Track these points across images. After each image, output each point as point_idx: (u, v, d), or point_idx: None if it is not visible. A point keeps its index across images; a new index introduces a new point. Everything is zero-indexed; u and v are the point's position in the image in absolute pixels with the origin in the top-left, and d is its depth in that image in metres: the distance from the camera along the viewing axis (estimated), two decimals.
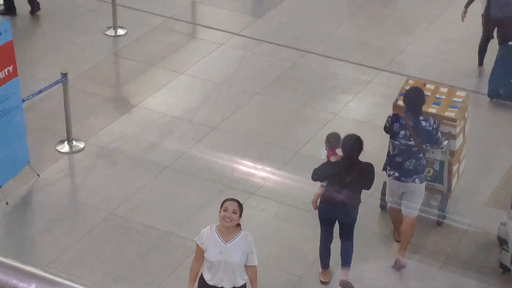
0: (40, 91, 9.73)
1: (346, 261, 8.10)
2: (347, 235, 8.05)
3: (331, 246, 8.10)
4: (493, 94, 10.95)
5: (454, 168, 8.90)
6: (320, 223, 8.04)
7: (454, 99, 8.88)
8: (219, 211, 6.73)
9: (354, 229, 8.06)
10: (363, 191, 8.04)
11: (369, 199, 9.00)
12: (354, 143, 7.83)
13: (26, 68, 11.09)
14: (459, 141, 8.79)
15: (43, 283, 1.52)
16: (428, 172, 8.68)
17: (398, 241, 8.61)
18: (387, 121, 8.35)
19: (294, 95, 11.06)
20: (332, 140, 8.28)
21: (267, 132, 10.34)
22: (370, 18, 13.14)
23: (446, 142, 8.57)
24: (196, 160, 9.81)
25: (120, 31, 12.38)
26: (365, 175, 7.84)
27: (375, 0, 13.51)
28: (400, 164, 8.22)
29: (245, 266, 6.82)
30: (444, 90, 9.02)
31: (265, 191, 9.35)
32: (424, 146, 8.21)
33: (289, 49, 12.08)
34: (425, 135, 8.19)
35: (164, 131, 10.34)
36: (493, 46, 11.31)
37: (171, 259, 8.41)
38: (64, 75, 9.70)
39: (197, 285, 6.97)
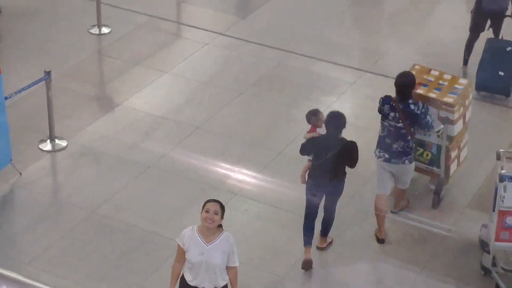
0: (23, 89, 9.69)
1: (324, 231, 8.51)
2: (330, 209, 8.35)
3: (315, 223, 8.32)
4: (480, 86, 11.04)
5: (453, 154, 9.08)
6: (306, 197, 8.26)
7: (456, 86, 9.06)
8: (201, 212, 6.71)
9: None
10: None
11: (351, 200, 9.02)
12: (337, 120, 8.11)
13: (9, 65, 11.03)
14: (457, 127, 8.95)
15: (13, 284, 1.51)
16: (426, 155, 8.97)
17: (379, 239, 8.68)
18: (379, 102, 8.63)
19: (278, 96, 11.06)
20: (311, 117, 8.61)
21: (251, 132, 10.33)
22: (355, 19, 13.16)
23: (442, 126, 8.77)
24: (180, 159, 9.79)
25: (105, 30, 12.33)
26: (348, 152, 8.09)
27: (361, 2, 13.53)
28: (389, 145, 8.51)
29: (226, 267, 6.80)
30: (447, 77, 9.20)
31: (248, 191, 9.34)
32: (412, 128, 8.46)
33: (273, 49, 12.07)
34: (413, 118, 8.43)
35: (148, 130, 10.31)
36: (478, 45, 11.37)
37: (154, 259, 8.39)
38: (48, 73, 9.66)
39: (178, 285, 6.95)
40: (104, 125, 10.33)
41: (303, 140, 8.50)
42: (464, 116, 9.04)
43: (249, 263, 8.26)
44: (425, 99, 8.69)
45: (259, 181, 9.50)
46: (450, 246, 8.72)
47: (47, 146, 9.88)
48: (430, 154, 8.97)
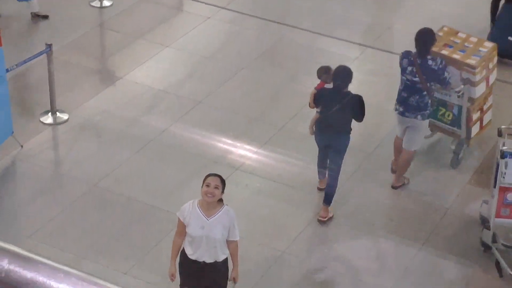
0: (24, 62, 9.67)
1: (327, 199, 8.63)
2: (334, 168, 8.57)
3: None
4: None
5: (474, 116, 9.28)
6: (318, 146, 8.75)
7: (480, 48, 9.24)
8: (202, 186, 6.72)
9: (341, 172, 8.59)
10: None
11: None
12: (343, 74, 8.36)
13: (10, 38, 10.99)
14: (479, 89, 9.12)
15: (16, 258, 1.50)
16: (448, 115, 9.25)
17: (394, 171, 9.18)
18: (399, 56, 8.89)
19: (280, 70, 11.03)
20: (322, 74, 8.85)
21: (253, 107, 10.31)
22: None
23: (462, 86, 8.97)
24: (181, 134, 9.79)
25: (106, 2, 12.28)
26: (354, 105, 8.31)
27: None
28: (405, 99, 8.76)
29: (227, 241, 6.82)
30: (474, 39, 9.38)
31: (249, 166, 9.34)
32: (428, 84, 8.68)
33: (276, 24, 12.03)
34: (430, 73, 8.66)
35: (149, 104, 10.30)
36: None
37: (154, 232, 8.40)
38: (49, 46, 9.63)
39: (179, 259, 6.97)
40: (105, 99, 10.32)
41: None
42: (487, 79, 9.25)
43: (250, 238, 8.27)
44: (449, 60, 8.89)
45: (260, 156, 9.50)
46: (450, 222, 8.73)
47: (49, 119, 9.87)
48: (451, 115, 9.20)
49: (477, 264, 8.23)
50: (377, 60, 11.20)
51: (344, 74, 8.36)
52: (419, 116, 8.72)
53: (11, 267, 1.49)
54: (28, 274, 1.49)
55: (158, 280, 7.84)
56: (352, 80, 8.42)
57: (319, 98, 8.53)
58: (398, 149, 9.13)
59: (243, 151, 9.56)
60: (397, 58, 9.06)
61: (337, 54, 11.44)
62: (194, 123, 9.96)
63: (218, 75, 10.90)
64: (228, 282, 6.99)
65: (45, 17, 11.79)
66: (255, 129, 9.92)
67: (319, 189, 8.97)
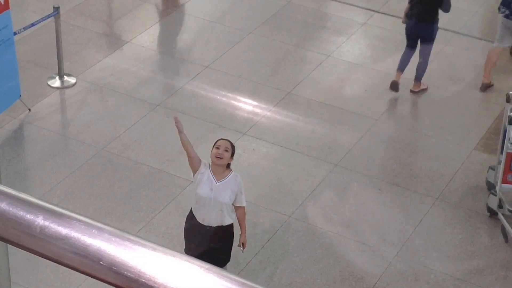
0: (32, 25, 9.65)
1: (418, 76, 9.85)
2: (423, 54, 9.71)
3: (410, 59, 9.77)
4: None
5: None
6: (406, 36, 9.76)
7: None
8: (211, 150, 6.75)
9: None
10: None
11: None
12: None
13: (18, 0, 10.96)
14: None
15: (50, 215, 1.53)
16: None
17: (482, 85, 10.03)
18: None
19: (287, 35, 11.00)
20: None
21: (260, 72, 10.31)
22: None
23: None
24: (188, 98, 9.79)
25: None
26: None
27: None
28: (510, 1, 9.48)
29: (234, 206, 6.87)
30: None
31: (256, 131, 9.36)
32: None
33: None
34: None
35: (156, 68, 10.29)
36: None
37: (162, 196, 8.45)
38: (56, 9, 9.61)
39: (186, 218, 7.03)
40: (112, 63, 10.31)
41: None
42: None
43: (257, 203, 8.31)
44: None
45: (267, 121, 9.51)
46: (456, 187, 8.76)
47: (56, 82, 9.88)
48: None
49: (482, 230, 8.27)
50: (385, 25, 11.16)
51: None
52: None
53: (46, 223, 1.51)
54: (62, 230, 1.52)
55: (166, 243, 7.89)
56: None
57: None
58: (492, 59, 9.83)
59: (250, 116, 9.57)
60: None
61: (344, 19, 11.41)
62: (201, 88, 9.96)
63: (225, 39, 10.88)
64: (237, 247, 7.05)
65: None
66: (262, 94, 9.93)
67: (393, 82, 9.80)
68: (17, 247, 1.62)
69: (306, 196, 8.48)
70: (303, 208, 8.40)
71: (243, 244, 7.01)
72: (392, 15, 11.38)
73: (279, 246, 8.00)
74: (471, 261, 7.96)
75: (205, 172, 6.79)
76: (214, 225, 6.82)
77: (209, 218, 6.81)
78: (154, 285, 1.47)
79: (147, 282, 1.48)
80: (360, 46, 10.89)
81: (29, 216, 1.56)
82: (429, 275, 7.79)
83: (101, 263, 1.50)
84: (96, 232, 1.52)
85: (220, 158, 6.71)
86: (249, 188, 8.03)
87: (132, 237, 1.51)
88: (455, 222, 8.35)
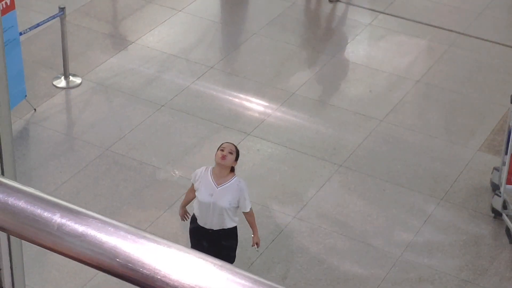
0: (38, 25, 9.67)
1: None
2: None
3: None
4: None
5: None
6: None
7: None
8: (216, 153, 6.82)
9: None
10: None
11: None
12: None
13: (23, 1, 10.99)
14: None
15: (67, 212, 1.55)
16: None
17: None
18: None
19: (292, 36, 11.02)
20: None
21: (264, 72, 10.33)
22: None
23: None
24: (193, 99, 9.82)
25: None
26: None
27: None
28: None
29: (243, 212, 6.98)
30: None
31: (261, 131, 9.38)
32: None
33: None
34: None
35: (161, 69, 10.32)
36: None
37: (166, 197, 8.47)
38: (62, 10, 9.63)
39: (189, 221, 7.11)
40: (117, 63, 10.34)
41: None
42: None
43: (261, 203, 8.34)
44: None
45: (272, 121, 9.53)
46: (461, 188, 8.77)
47: (61, 82, 9.90)
48: None
49: (487, 231, 8.29)
50: (389, 26, 11.17)
51: None
52: None
53: (63, 220, 1.53)
54: (79, 227, 1.54)
55: None
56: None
57: None
58: None
59: (255, 116, 9.59)
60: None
61: (349, 20, 11.42)
62: (206, 88, 9.98)
63: (229, 40, 10.90)
64: (252, 247, 7.23)
65: None
66: (267, 94, 9.95)
67: None
68: (35, 244, 1.65)
69: (311, 197, 8.50)
70: (307, 209, 8.42)
71: (256, 244, 7.18)
72: (397, 16, 11.40)
73: (284, 246, 8.02)
74: (475, 262, 7.97)
75: (205, 177, 6.86)
76: (216, 229, 6.90)
77: (211, 222, 6.90)
78: (169, 281, 1.50)
79: (162, 278, 1.51)
80: (365, 47, 10.91)
81: (46, 214, 1.59)
82: (433, 275, 7.80)
83: (118, 260, 1.53)
84: (112, 229, 1.54)
85: (224, 158, 6.77)
86: (253, 188, 8.06)
87: (148, 235, 1.54)
88: (459, 223, 8.36)
